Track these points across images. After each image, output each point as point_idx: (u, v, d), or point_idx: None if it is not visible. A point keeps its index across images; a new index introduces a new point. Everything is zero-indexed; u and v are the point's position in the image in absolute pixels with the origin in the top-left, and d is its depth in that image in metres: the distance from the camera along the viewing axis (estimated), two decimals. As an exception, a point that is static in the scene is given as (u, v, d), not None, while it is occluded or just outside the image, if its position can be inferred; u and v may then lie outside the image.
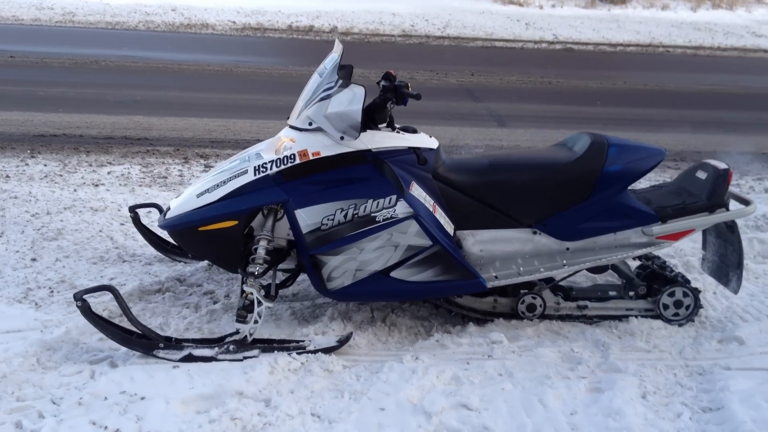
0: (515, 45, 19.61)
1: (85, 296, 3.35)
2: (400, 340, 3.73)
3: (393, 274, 3.59)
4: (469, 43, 19.55)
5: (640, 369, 3.46)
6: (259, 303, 3.48)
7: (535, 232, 3.84)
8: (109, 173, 6.81)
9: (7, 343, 3.45)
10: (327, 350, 3.50)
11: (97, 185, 6.32)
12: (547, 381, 3.32)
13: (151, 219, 5.06)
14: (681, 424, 3.05)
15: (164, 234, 4.64)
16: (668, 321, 4.01)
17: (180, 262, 4.58)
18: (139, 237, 4.87)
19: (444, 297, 3.82)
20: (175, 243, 4.56)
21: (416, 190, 3.62)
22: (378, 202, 3.51)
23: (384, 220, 3.52)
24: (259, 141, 6.01)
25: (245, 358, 3.43)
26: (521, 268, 3.83)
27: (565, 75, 14.64)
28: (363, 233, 3.52)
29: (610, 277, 4.43)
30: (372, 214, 3.51)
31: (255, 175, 3.53)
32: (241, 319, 3.47)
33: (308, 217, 3.49)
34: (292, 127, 3.73)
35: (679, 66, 17.07)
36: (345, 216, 3.49)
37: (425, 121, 10.20)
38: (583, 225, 3.83)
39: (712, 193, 3.91)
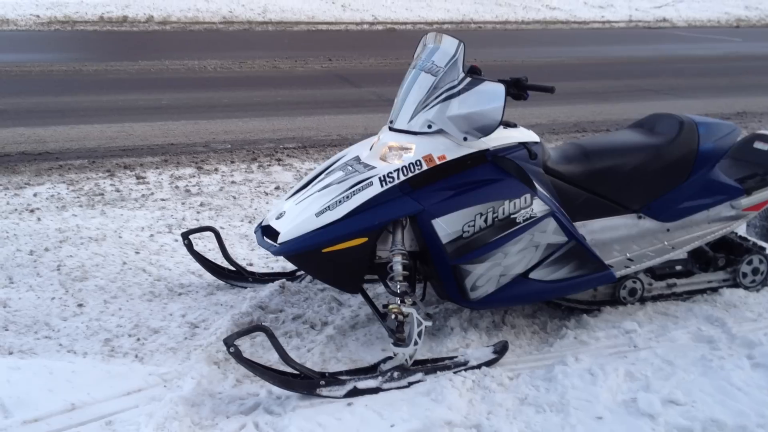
0: (339, 27, 19.66)
1: (235, 341, 2.98)
2: (535, 342, 3.64)
3: (532, 275, 3.49)
4: (294, 27, 19.37)
5: (768, 338, 3.58)
6: (419, 323, 3.24)
7: (640, 217, 3.87)
8: (35, 195, 6.11)
9: (139, 407, 3.01)
10: (488, 363, 3.34)
11: (32, 211, 5.64)
12: (709, 363, 3.37)
13: (203, 244, 4.58)
14: None
15: (219, 259, 4.23)
16: (746, 288, 4.17)
17: (239, 286, 4.20)
18: (172, 265, 4.41)
19: (578, 292, 3.75)
20: (233, 269, 4.17)
21: (539, 186, 3.51)
22: (515, 203, 3.38)
23: (524, 220, 3.40)
24: (173, 145, 5.67)
25: (410, 384, 3.21)
26: (627, 254, 3.84)
27: (410, 56, 14.84)
28: (506, 237, 3.38)
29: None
30: (512, 216, 3.37)
31: (382, 186, 3.27)
32: (400, 342, 3.22)
33: (448, 226, 3.29)
34: (400, 130, 3.48)
35: (497, 41, 17.79)
36: (485, 221, 3.33)
37: (321, 111, 10.05)
38: (683, 204, 3.91)
39: (784, 163, 4.11)
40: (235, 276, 4.24)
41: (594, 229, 3.79)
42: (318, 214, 3.28)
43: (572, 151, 3.85)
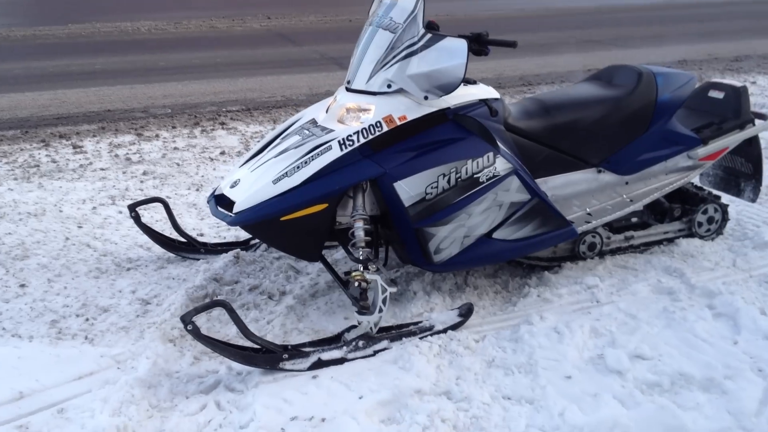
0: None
1: (193, 318, 2.84)
2: (499, 302, 3.58)
3: (495, 235, 3.42)
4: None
5: (727, 287, 3.58)
6: (383, 290, 3.14)
7: (600, 171, 3.82)
8: (-35, 169, 5.83)
9: (92, 392, 2.86)
10: (454, 326, 3.27)
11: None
12: (672, 315, 3.36)
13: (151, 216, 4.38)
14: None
15: (169, 231, 4.06)
16: (702, 237, 4.18)
17: (191, 258, 4.04)
18: (118, 238, 4.23)
19: (541, 250, 3.69)
20: (181, 240, 4.01)
21: (501, 144, 3.43)
22: (478, 162, 3.29)
23: (487, 180, 3.31)
24: (109, 111, 5.51)
25: (376, 352, 3.12)
26: (587, 209, 3.80)
27: (358, 11, 14.60)
28: (470, 197, 3.29)
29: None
30: (475, 176, 3.28)
31: (341, 149, 3.14)
32: (364, 310, 3.13)
33: (410, 189, 3.18)
34: (358, 91, 3.35)
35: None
36: (448, 182, 3.24)
37: (263, 71, 9.80)
38: (641, 157, 3.87)
39: (739, 110, 4.09)
40: (187, 248, 4.08)
41: (555, 185, 3.73)
42: (275, 181, 3.13)
43: (532, 107, 3.77)
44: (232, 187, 3.36)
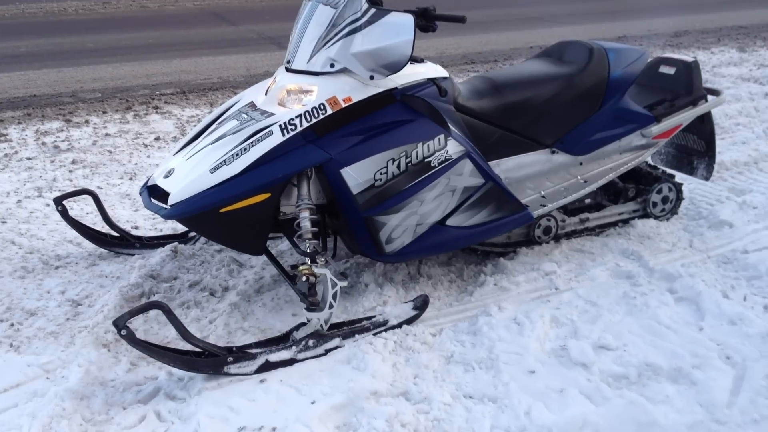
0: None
1: (127, 322, 2.61)
2: (455, 292, 3.42)
3: (449, 222, 3.26)
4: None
5: (686, 270, 3.49)
6: (333, 284, 2.95)
7: (553, 152, 3.68)
8: None
9: (18, 406, 2.62)
10: (409, 320, 3.10)
11: None
12: (633, 301, 3.25)
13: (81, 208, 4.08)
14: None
15: (101, 225, 3.80)
16: (657, 217, 4.09)
17: (125, 254, 3.78)
18: (45, 234, 3.95)
19: (496, 236, 3.54)
20: (110, 234, 3.76)
21: (452, 125, 3.26)
22: (428, 145, 3.11)
23: (439, 164, 3.14)
24: (35, 96, 5.29)
25: (327, 351, 2.93)
26: (541, 191, 3.66)
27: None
28: (421, 182, 3.12)
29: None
30: (426, 160, 3.11)
31: (283, 134, 2.93)
32: (314, 306, 2.93)
33: (358, 175, 2.99)
34: (299, 71, 3.14)
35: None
36: (398, 167, 3.06)
37: (198, 52, 9.47)
38: (595, 136, 3.75)
39: (691, 86, 3.99)
40: (120, 242, 3.82)
41: (508, 168, 3.58)
42: (213, 170, 2.91)
43: (482, 86, 3.60)
44: (165, 177, 3.13)
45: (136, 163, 5.32)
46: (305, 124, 2.95)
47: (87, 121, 6.60)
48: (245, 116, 3.17)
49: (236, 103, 3.42)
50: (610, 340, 2.92)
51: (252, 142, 2.93)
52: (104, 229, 3.84)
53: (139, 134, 6.27)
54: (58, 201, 3.63)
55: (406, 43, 2.98)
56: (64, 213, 3.64)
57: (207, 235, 3.21)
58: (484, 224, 3.34)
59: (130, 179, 4.97)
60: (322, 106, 2.99)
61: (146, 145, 5.96)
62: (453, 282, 3.52)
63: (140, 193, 3.25)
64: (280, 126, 2.94)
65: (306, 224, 3.01)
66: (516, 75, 3.70)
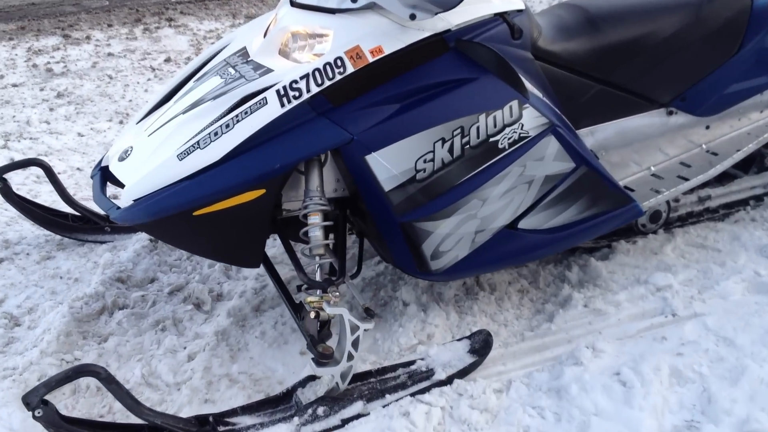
0: None
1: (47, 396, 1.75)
2: (527, 311, 2.48)
3: (522, 225, 2.27)
4: None
5: None
6: (354, 328, 2.03)
7: (671, 113, 2.63)
8: None
9: None
10: (464, 372, 2.17)
11: None
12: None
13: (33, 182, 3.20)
14: None
15: (57, 203, 2.90)
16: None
17: (90, 242, 2.90)
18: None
19: (588, 240, 2.55)
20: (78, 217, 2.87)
21: (530, 83, 2.24)
22: (495, 117, 2.11)
23: (511, 144, 2.15)
24: (33, 5, 4.54)
25: (345, 422, 2.03)
26: (651, 167, 2.64)
27: None
28: (484, 173, 2.14)
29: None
30: (491, 140, 2.11)
31: (283, 104, 1.96)
32: (324, 359, 2.01)
33: (392, 164, 2.03)
34: (309, 6, 2.15)
35: None
36: (451, 151, 2.08)
37: None
38: (730, 89, 2.68)
39: None
40: (84, 226, 2.92)
41: (606, 137, 2.56)
42: (182, 156, 1.99)
43: (571, 19, 2.54)
44: (121, 159, 2.21)
45: (130, 100, 4.38)
46: (314, 89, 1.98)
47: (88, 37, 5.65)
48: (232, 71, 2.21)
49: (224, 48, 2.45)
50: (762, 419, 1.95)
51: (237, 116, 1.98)
52: (65, 209, 2.94)
53: (147, 54, 5.32)
54: (-1, 174, 2.73)
55: None
56: (5, 191, 2.74)
57: (178, 245, 2.30)
58: (572, 225, 2.35)
59: (120, 123, 4.04)
60: (339, 62, 2.00)
61: (153, 69, 5.02)
62: (524, 294, 2.56)
63: (92, 177, 2.35)
64: (278, 92, 1.97)
65: (316, 234, 2.08)
66: (620, 3, 2.62)
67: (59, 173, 3.43)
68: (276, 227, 2.28)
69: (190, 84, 2.34)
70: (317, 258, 2.10)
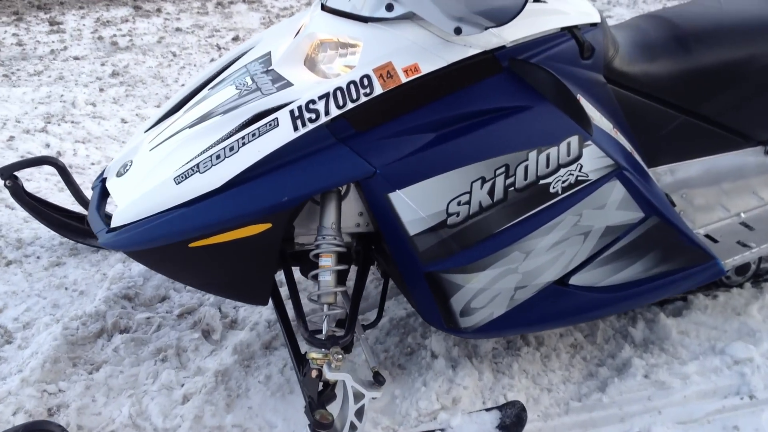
0: None
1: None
2: (576, 376, 2.12)
3: (575, 281, 1.91)
4: None
5: None
6: (358, 396, 1.74)
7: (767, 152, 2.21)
8: None
9: None
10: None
11: None
12: None
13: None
14: None
15: (71, 203, 2.69)
16: None
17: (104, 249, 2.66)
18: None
19: (654, 301, 2.18)
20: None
21: (591, 113, 1.87)
22: (547, 155, 1.76)
23: (566, 189, 1.79)
24: None
25: None
26: (742, 214, 2.23)
27: None
28: (530, 221, 1.79)
29: None
30: (541, 182, 1.76)
31: (296, 128, 1.67)
32: (322, 429, 1.72)
33: (419, 204, 1.71)
34: (340, 12, 1.83)
35: None
36: (491, 193, 1.73)
37: None
38: None
39: None
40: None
41: (688, 177, 2.17)
42: (179, 179, 1.73)
43: (656, 35, 2.15)
44: (119, 174, 1.97)
45: (182, 84, 4.16)
46: (334, 111, 1.68)
47: (159, 10, 5.47)
48: (249, 81, 1.93)
49: (250, 50, 2.16)
50: None
51: (244, 137, 1.71)
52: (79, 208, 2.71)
53: (215, 31, 5.10)
54: (7, 173, 2.52)
55: None
56: (15, 190, 2.53)
57: (173, 277, 2.05)
58: (636, 284, 1.97)
59: (165, 110, 3.82)
60: (365, 81, 1.69)
61: (219, 47, 4.81)
62: (577, 350, 2.21)
63: (92, 188, 2.11)
64: (292, 113, 1.68)
65: (326, 279, 1.79)
66: (717, 19, 2.21)
67: (93, 164, 3.24)
68: (287, 262, 2.00)
69: (205, 92, 2.07)
70: (325, 307, 1.81)
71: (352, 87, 1.69)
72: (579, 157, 1.78)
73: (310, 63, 1.89)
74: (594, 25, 1.94)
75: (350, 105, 1.69)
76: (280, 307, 2.01)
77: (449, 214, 1.73)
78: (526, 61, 1.79)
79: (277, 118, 1.69)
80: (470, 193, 1.73)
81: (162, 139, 1.95)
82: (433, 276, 1.79)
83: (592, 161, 1.80)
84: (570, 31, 1.88)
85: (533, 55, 1.81)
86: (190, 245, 1.75)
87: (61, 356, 2.11)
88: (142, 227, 1.75)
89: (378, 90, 1.69)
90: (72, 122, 3.57)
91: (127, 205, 1.80)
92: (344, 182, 1.74)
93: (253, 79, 1.93)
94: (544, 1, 1.91)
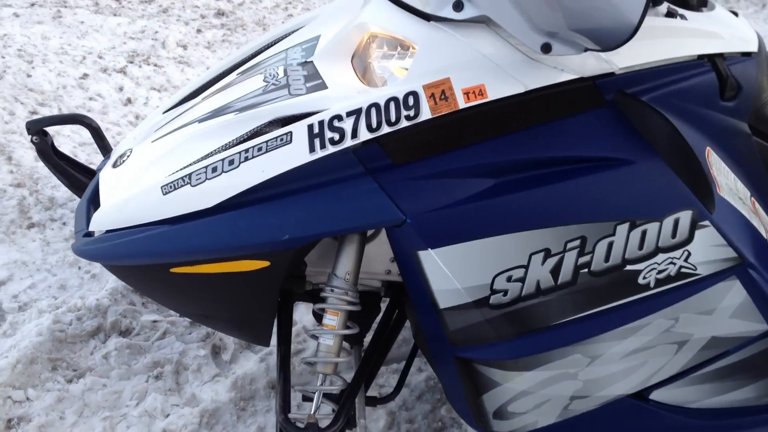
0: None
1: None
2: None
3: (656, 396, 1.42)
4: None
5: None
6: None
7: None
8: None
9: None
10: None
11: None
12: None
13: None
14: None
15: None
16: None
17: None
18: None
19: None
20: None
21: (721, 177, 1.37)
22: (643, 232, 1.28)
23: (660, 282, 1.30)
24: None
25: None
26: None
27: None
28: (604, 318, 1.32)
29: None
30: (626, 268, 1.28)
31: (312, 148, 1.26)
32: None
33: (457, 272, 1.29)
34: (402, 4, 1.37)
35: None
36: (555, 272, 1.27)
37: None
38: None
39: None
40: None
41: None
42: (167, 189, 1.37)
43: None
44: (114, 165, 1.63)
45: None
46: (364, 134, 1.27)
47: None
48: (281, 73, 1.53)
49: (299, 29, 1.76)
50: None
51: (248, 150, 1.32)
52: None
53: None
54: (35, 128, 2.22)
55: None
56: (42, 147, 2.24)
57: (158, 301, 1.71)
58: (744, 413, 1.48)
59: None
60: (411, 99, 1.26)
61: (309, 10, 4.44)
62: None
63: (98, 170, 1.79)
64: (310, 128, 1.27)
65: (327, 345, 1.40)
66: None
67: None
68: (292, 300, 1.62)
69: (233, 76, 1.68)
70: (320, 377, 1.42)
71: (392, 105, 1.26)
72: (688, 240, 1.29)
73: (359, 60, 1.47)
74: (747, 54, 1.43)
75: (386, 129, 1.26)
76: (283, 348, 1.63)
77: (494, 291, 1.29)
78: (637, 98, 1.30)
79: (291, 132, 1.29)
80: (527, 267, 1.28)
81: (168, 130, 1.59)
82: (464, 363, 1.37)
83: (706, 250, 1.30)
84: (711, 60, 1.37)
85: (651, 89, 1.32)
86: (172, 270, 1.40)
87: (41, 356, 1.83)
88: (119, 239, 1.41)
89: (425, 114, 1.26)
90: (155, 65, 3.28)
91: (109, 207, 1.46)
92: (362, 228, 1.34)
93: (285, 71, 1.53)
94: (683, 17, 1.41)
